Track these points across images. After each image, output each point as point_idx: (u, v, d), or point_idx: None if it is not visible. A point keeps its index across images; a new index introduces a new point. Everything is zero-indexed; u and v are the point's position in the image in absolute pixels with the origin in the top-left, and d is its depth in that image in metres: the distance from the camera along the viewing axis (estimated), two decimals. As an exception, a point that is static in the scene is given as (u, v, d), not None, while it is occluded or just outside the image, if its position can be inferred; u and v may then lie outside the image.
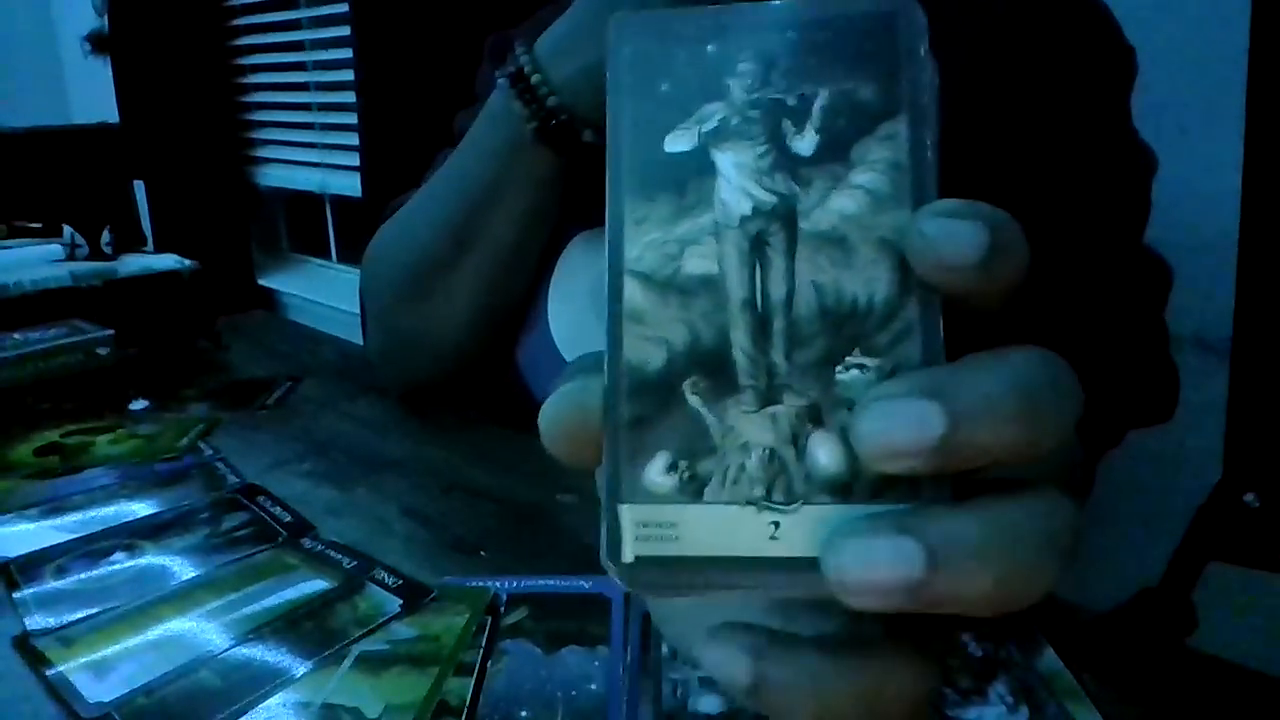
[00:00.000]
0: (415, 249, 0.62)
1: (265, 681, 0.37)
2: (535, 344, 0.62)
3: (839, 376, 0.17)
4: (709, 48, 0.19)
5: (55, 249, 0.88)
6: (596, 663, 0.38)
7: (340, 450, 0.62)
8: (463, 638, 0.40)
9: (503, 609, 0.42)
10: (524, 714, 0.35)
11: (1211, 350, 0.75)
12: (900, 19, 0.18)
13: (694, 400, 0.18)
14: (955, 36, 0.51)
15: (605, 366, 0.18)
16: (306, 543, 0.49)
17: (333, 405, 0.72)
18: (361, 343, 0.76)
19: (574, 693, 0.36)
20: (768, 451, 0.17)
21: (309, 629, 0.41)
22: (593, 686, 0.37)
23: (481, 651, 0.39)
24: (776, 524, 0.17)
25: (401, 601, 0.43)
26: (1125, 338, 0.52)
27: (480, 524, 0.51)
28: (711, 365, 0.18)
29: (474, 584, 0.44)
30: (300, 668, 0.38)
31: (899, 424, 0.16)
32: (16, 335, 0.74)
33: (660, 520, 0.17)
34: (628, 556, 0.17)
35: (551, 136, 0.54)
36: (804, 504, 0.17)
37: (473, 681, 0.37)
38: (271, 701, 0.36)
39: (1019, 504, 0.16)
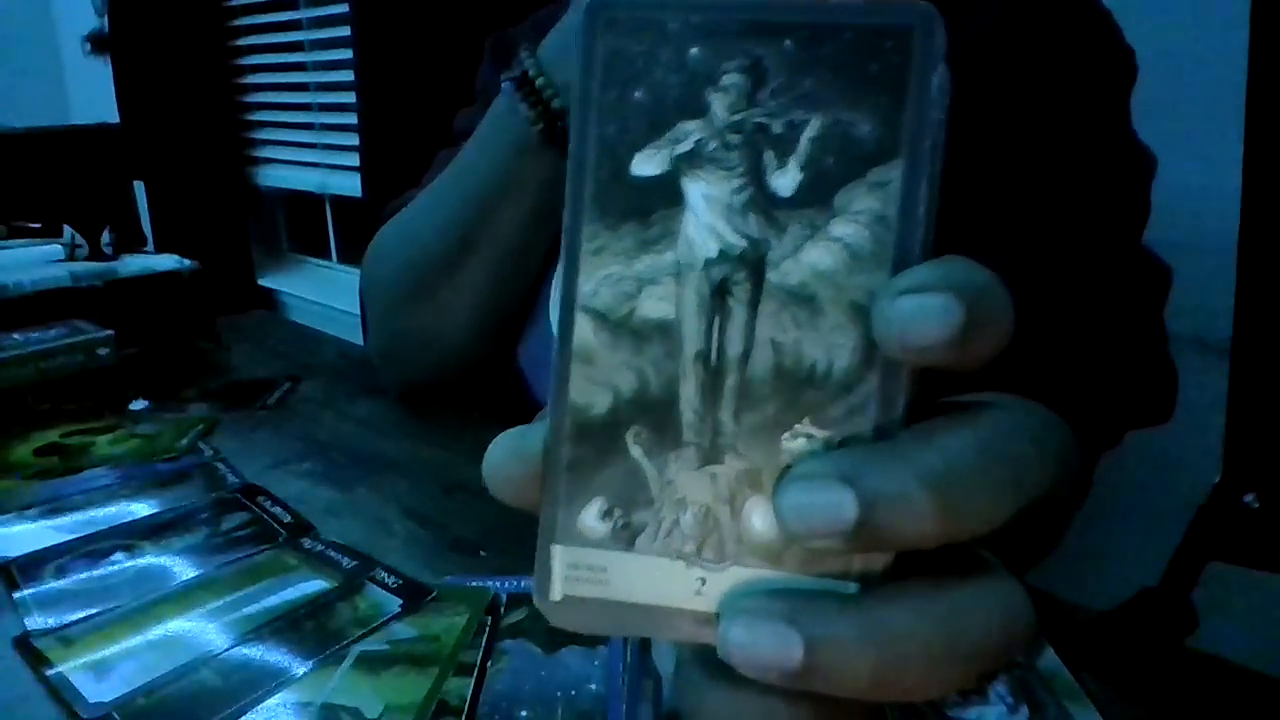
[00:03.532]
0: (419, 249, 0.62)
1: (265, 681, 0.37)
2: (537, 343, 0.62)
3: (785, 444, 0.16)
4: (693, 50, 0.17)
5: (55, 249, 0.88)
6: (596, 663, 0.38)
7: (340, 450, 0.62)
8: (463, 638, 0.40)
9: (503, 609, 0.42)
10: (524, 714, 0.35)
11: (1211, 350, 0.75)
12: (917, 38, 0.16)
13: (636, 451, 0.17)
14: (954, 37, 0.51)
15: (550, 403, 0.18)
16: (306, 543, 0.49)
17: (333, 405, 0.72)
18: (361, 343, 0.76)
19: (574, 693, 0.36)
20: (703, 509, 0.17)
21: (309, 629, 0.41)
22: (592, 686, 0.37)
23: (481, 651, 0.39)
24: (704, 580, 0.17)
25: (401, 601, 0.43)
26: (1124, 339, 0.52)
27: (480, 524, 0.51)
28: (657, 417, 0.17)
29: (474, 584, 0.44)
30: (300, 668, 0.38)
31: (813, 506, 0.15)
32: (16, 335, 0.74)
33: (590, 564, 0.17)
34: (556, 595, 0.18)
35: (557, 138, 0.54)
36: (733, 564, 0.17)
37: (473, 681, 0.37)
38: (271, 701, 0.36)
39: (934, 599, 0.16)
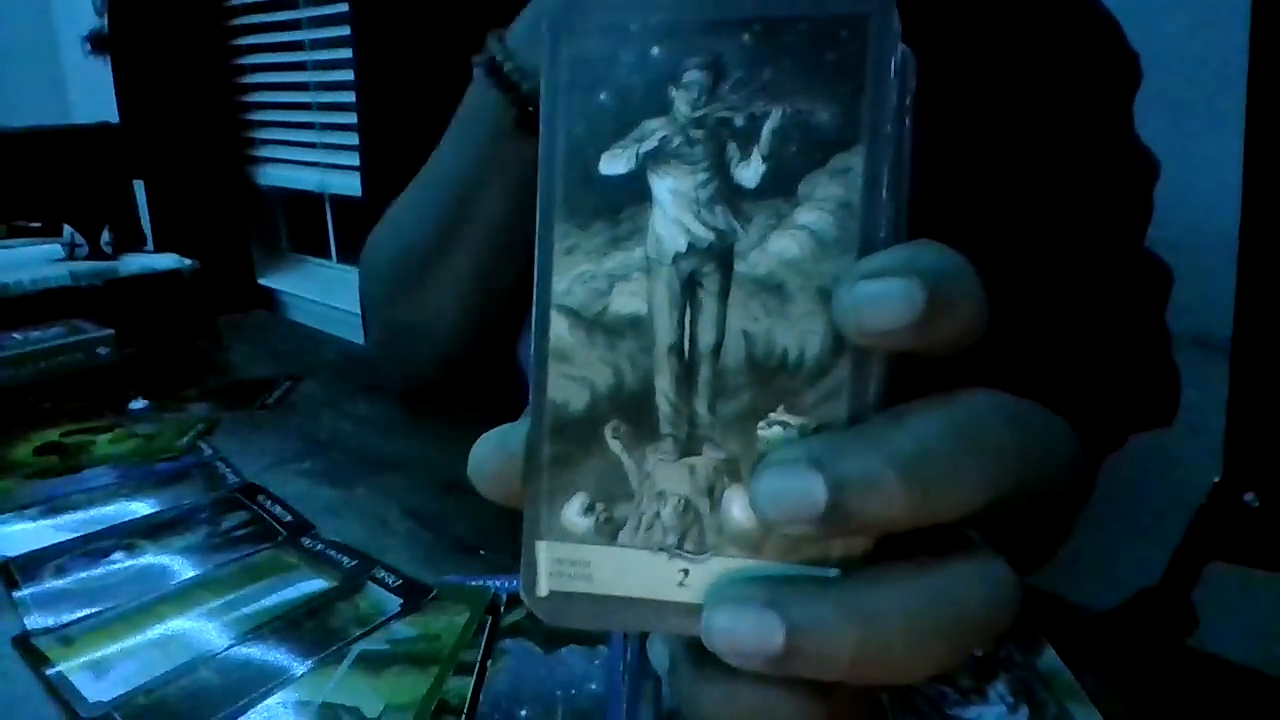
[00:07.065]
0: (405, 241, 0.62)
1: (265, 681, 0.37)
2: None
3: (760, 433, 0.17)
4: (654, 50, 0.17)
5: (55, 249, 0.88)
6: (596, 662, 0.38)
7: (340, 450, 0.62)
8: (463, 637, 0.40)
9: (503, 609, 0.42)
10: (524, 714, 0.35)
11: (1211, 350, 0.75)
12: (873, 23, 0.16)
13: (615, 445, 0.17)
14: (958, 40, 0.51)
15: (530, 401, 0.18)
16: (306, 542, 0.49)
17: (333, 405, 0.72)
18: (362, 342, 0.76)
19: (574, 693, 0.36)
20: (683, 501, 0.17)
21: (309, 628, 0.41)
22: (593, 686, 0.37)
23: (481, 651, 0.39)
24: (686, 571, 0.17)
25: (401, 601, 0.43)
26: (1126, 342, 0.52)
27: (480, 523, 0.51)
28: (634, 410, 0.17)
29: (474, 584, 0.44)
30: (300, 667, 0.38)
31: (785, 492, 0.15)
32: (16, 335, 0.74)
33: (575, 559, 0.18)
34: (542, 591, 0.18)
35: (532, 122, 0.54)
36: (714, 555, 0.17)
37: (473, 681, 0.37)
38: (271, 701, 0.36)
39: (915, 579, 0.16)
